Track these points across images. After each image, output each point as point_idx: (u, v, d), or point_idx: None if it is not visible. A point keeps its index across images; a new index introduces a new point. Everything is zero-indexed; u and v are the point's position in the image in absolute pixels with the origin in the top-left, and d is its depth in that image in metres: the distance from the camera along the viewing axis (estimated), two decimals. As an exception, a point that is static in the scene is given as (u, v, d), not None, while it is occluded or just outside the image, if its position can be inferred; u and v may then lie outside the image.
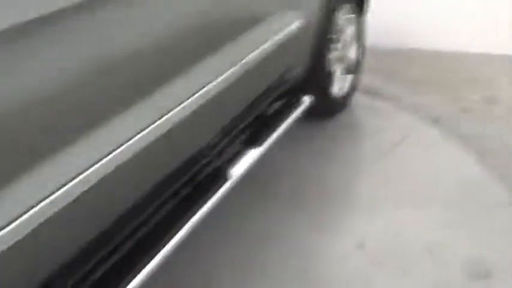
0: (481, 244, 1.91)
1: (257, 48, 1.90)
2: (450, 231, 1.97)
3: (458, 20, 3.73)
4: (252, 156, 1.89)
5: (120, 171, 1.30)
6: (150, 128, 1.40)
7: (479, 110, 2.89)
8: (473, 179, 2.26)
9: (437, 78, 3.36)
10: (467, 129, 2.67)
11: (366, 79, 3.23)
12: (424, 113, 2.85)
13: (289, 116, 2.17)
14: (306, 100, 2.34)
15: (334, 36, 2.71)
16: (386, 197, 2.18)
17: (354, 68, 2.98)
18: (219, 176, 1.77)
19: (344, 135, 2.69)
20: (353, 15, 2.88)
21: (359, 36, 3.00)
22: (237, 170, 1.81)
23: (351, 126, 2.78)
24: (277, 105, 2.25)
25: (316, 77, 2.57)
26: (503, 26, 3.59)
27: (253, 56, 1.88)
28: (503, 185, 2.18)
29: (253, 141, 1.95)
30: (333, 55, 2.70)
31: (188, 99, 1.56)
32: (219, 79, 1.68)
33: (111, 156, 1.27)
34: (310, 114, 2.54)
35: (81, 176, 1.18)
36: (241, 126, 1.98)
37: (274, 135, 2.03)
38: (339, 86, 2.82)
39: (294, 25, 2.16)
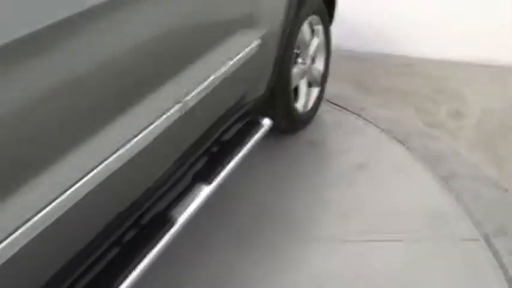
0: (445, 285, 1.79)
1: (211, 75, 1.71)
2: (415, 270, 1.84)
3: (428, 26, 3.60)
4: (203, 194, 1.71)
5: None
6: (97, 169, 1.25)
7: (447, 126, 2.77)
8: (438, 209, 2.11)
9: (404, 87, 3.23)
10: (434, 149, 2.54)
11: (333, 88, 3.08)
12: (391, 128, 2.70)
13: (246, 144, 1.99)
14: (266, 123, 2.17)
15: (299, 51, 2.54)
16: (349, 230, 2.03)
17: (320, 80, 2.82)
18: (166, 220, 1.61)
19: (306, 155, 2.52)
20: (320, 26, 2.71)
21: (326, 46, 2.84)
22: (186, 211, 1.64)
23: (314, 144, 2.62)
24: (234, 130, 2.08)
25: (279, 95, 2.39)
26: (471, 34, 3.48)
27: (207, 84, 1.69)
28: (467, 216, 2.06)
29: (205, 177, 1.77)
30: (297, 70, 2.53)
31: (138, 135, 1.39)
32: (171, 111, 1.50)
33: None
34: (272, 131, 2.39)
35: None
36: (193, 159, 1.81)
37: (230, 166, 1.87)
38: (304, 100, 2.65)
39: (253, 45, 1.97)
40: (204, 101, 1.68)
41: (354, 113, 2.89)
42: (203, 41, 1.70)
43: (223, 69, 1.76)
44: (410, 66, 3.54)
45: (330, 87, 2.97)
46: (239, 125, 2.14)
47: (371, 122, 2.77)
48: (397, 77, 3.38)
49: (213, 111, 1.84)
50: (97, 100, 1.28)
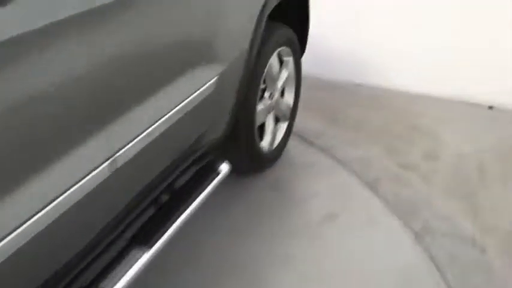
0: None
1: (159, 119, 1.43)
2: None
3: (405, 58, 3.38)
4: (141, 262, 1.41)
5: None
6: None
7: (420, 170, 2.53)
8: (411, 274, 1.85)
9: (376, 122, 2.99)
10: (406, 197, 2.29)
11: (302, 119, 2.83)
12: (361, 171, 2.45)
13: (198, 196, 1.69)
14: (224, 168, 1.88)
15: (265, 86, 2.27)
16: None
17: (289, 115, 2.55)
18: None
19: (269, 201, 2.23)
20: (290, 58, 2.44)
21: (296, 79, 2.57)
22: (118, 285, 1.34)
23: (279, 188, 2.33)
24: (186, 177, 1.78)
25: (242, 135, 2.11)
26: (449, 69, 3.27)
27: (154, 128, 1.41)
28: (443, 283, 1.81)
29: (146, 239, 1.47)
30: (263, 106, 2.25)
31: (55, 199, 1.09)
32: (96, 171, 1.21)
33: None
34: (233, 170, 2.13)
35: None
36: (133, 217, 1.51)
37: (176, 225, 1.57)
38: (270, 138, 2.38)
39: (209, 84, 1.69)
40: (144, 153, 1.38)
41: (323, 150, 2.63)
42: (145, 82, 1.39)
43: (168, 115, 1.47)
44: (384, 98, 3.31)
45: (299, 119, 2.71)
46: (194, 169, 1.86)
47: (341, 163, 2.51)
48: (369, 110, 3.15)
49: (158, 162, 1.54)
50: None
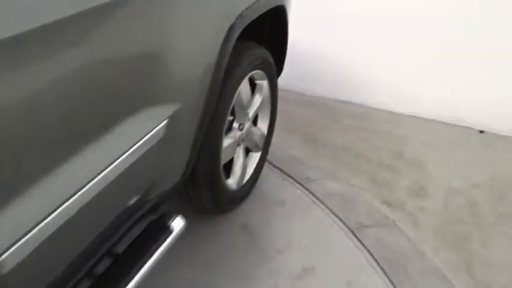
0: None
1: (100, 172, 1.08)
2: None
3: (392, 77, 3.06)
4: None
5: None
6: None
7: (407, 209, 2.21)
8: None
9: (360, 148, 2.66)
10: (392, 246, 1.96)
11: (280, 143, 2.50)
12: (342, 211, 2.11)
13: (144, 264, 1.35)
14: (177, 225, 1.52)
15: (233, 117, 1.91)
16: None
17: (263, 145, 2.20)
18: None
19: (234, 252, 1.86)
20: (264, 81, 2.09)
21: (271, 104, 2.22)
22: None
23: (247, 232, 1.97)
24: (132, 236, 1.44)
25: (203, 176, 1.75)
26: (436, 91, 2.96)
27: (95, 183, 1.07)
28: None
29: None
30: (231, 140, 1.89)
31: None
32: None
33: None
34: (197, 212, 1.78)
35: None
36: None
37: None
38: (239, 175, 2.02)
39: (159, 127, 1.32)
40: (64, 229, 1.03)
41: (299, 184, 2.28)
42: (61, 136, 1.03)
43: (100, 177, 1.11)
44: (368, 118, 2.99)
45: (277, 142, 2.38)
46: (141, 226, 1.50)
47: (319, 200, 2.17)
48: (352, 133, 2.82)
49: (87, 231, 1.17)
50: None
